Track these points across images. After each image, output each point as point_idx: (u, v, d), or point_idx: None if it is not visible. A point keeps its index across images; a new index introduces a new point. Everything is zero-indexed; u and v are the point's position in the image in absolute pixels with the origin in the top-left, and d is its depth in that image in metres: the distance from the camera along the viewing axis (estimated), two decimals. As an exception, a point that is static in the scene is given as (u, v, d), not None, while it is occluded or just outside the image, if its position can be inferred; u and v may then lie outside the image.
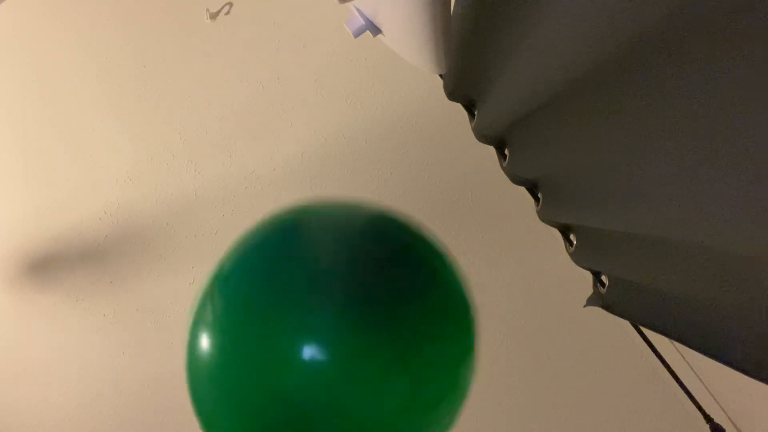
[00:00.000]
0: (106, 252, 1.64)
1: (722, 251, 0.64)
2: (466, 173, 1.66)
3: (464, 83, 1.35)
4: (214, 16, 1.66)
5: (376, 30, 0.93)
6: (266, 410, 0.48)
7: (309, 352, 0.46)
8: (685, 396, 1.22)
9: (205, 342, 0.51)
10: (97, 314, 1.63)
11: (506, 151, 1.36)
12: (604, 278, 1.25)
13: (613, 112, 0.69)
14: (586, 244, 1.22)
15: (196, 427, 0.52)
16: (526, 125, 1.08)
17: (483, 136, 1.41)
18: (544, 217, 1.33)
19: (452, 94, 1.46)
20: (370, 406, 0.48)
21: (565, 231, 1.34)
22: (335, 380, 0.46)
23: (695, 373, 1.27)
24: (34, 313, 1.64)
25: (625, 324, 1.30)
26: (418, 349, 0.49)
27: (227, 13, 1.67)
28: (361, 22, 0.91)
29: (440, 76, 1.51)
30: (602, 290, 1.25)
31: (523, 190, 1.39)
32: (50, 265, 1.64)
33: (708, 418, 1.16)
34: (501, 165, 1.41)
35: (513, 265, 1.63)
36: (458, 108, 1.50)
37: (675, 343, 1.16)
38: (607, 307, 1.24)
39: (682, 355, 1.29)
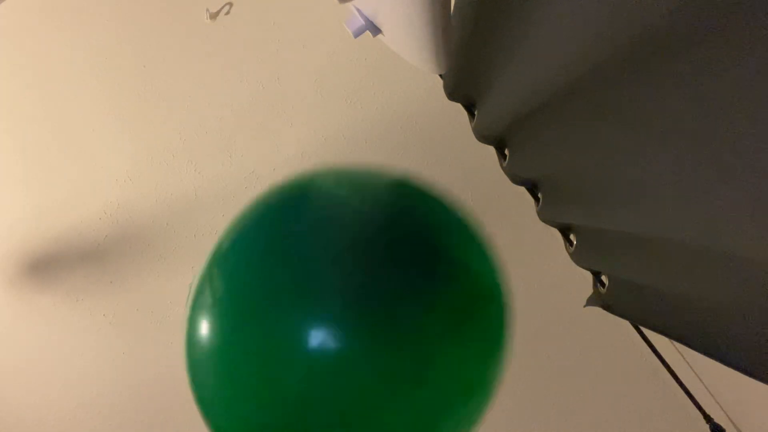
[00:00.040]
0: (106, 252, 1.64)
1: (722, 251, 0.64)
2: (466, 173, 1.66)
3: (464, 83, 1.34)
4: (214, 16, 1.66)
5: (376, 30, 0.93)
6: (269, 403, 0.43)
7: (316, 341, 0.40)
8: (685, 396, 1.22)
9: (204, 327, 0.46)
10: (97, 314, 1.63)
11: (506, 151, 1.36)
12: (604, 278, 1.25)
13: (613, 112, 0.69)
14: (586, 244, 1.22)
15: (196, 428, 0.51)
16: (526, 125, 1.08)
17: (483, 136, 1.41)
18: (544, 217, 1.33)
19: (452, 94, 1.46)
20: (383, 404, 0.43)
21: (565, 231, 1.34)
22: (344, 376, 0.41)
23: (695, 373, 1.27)
24: (34, 313, 1.63)
25: (625, 324, 1.29)
26: (436, 352, 0.44)
27: (227, 13, 1.67)
28: (361, 22, 0.91)
29: (440, 76, 1.51)
30: (602, 290, 1.25)
31: (523, 190, 1.39)
32: (50, 265, 1.64)
33: (708, 418, 1.16)
34: (501, 165, 1.41)
35: (513, 265, 1.63)
36: (458, 108, 1.50)
37: (675, 343, 1.16)
38: (607, 307, 1.24)
39: (682, 355, 1.29)
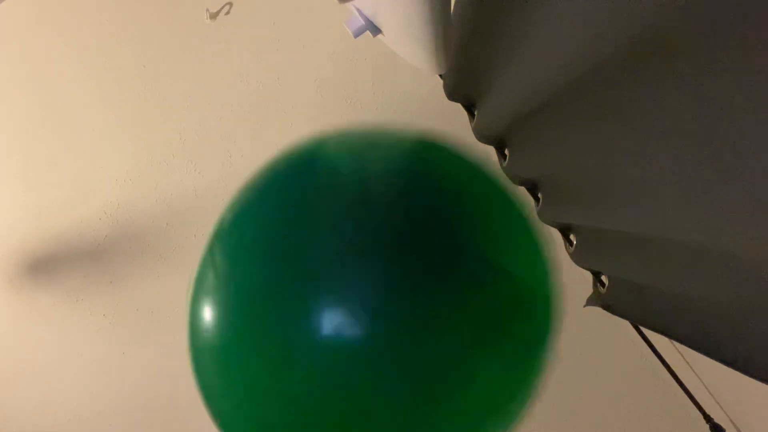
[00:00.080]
0: (106, 252, 1.64)
1: (722, 251, 0.64)
2: (466, 173, 1.66)
3: (464, 83, 1.34)
4: (214, 16, 1.66)
5: (376, 30, 0.93)
6: (279, 400, 0.38)
7: (331, 333, 0.35)
8: (685, 396, 1.21)
9: (208, 313, 0.41)
10: (97, 314, 1.63)
11: (506, 151, 1.36)
12: (604, 278, 1.25)
13: (613, 112, 0.69)
14: (586, 244, 1.22)
15: (196, 427, 0.51)
16: (526, 125, 1.08)
17: (483, 136, 1.41)
18: (544, 217, 1.32)
19: (452, 94, 1.46)
20: (406, 411, 0.37)
21: (565, 231, 1.34)
22: (362, 372, 0.35)
23: (695, 373, 1.27)
24: (34, 313, 1.63)
25: (625, 324, 1.29)
26: (474, 344, 0.37)
27: (227, 13, 1.67)
28: (361, 22, 0.91)
29: (440, 76, 1.51)
30: (602, 290, 1.25)
31: (523, 190, 1.39)
32: (50, 265, 1.64)
33: (708, 418, 1.16)
34: (501, 165, 1.41)
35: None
36: (458, 108, 1.50)
37: (675, 343, 1.16)
38: (607, 307, 1.24)
39: (682, 355, 1.29)
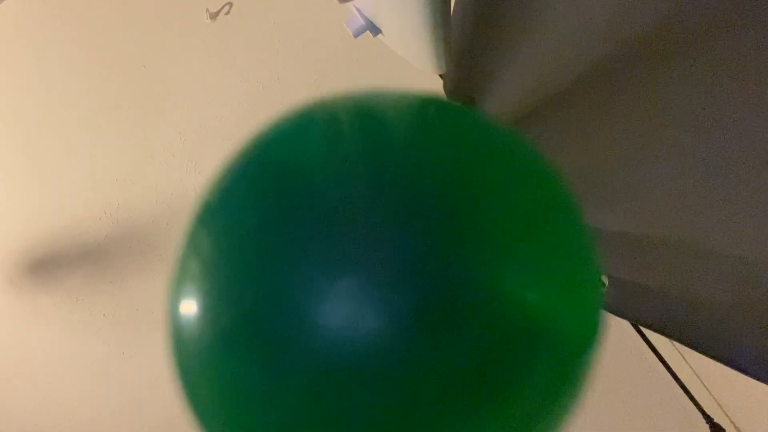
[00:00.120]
0: (106, 252, 1.64)
1: (722, 252, 0.64)
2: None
3: (464, 83, 1.34)
4: (214, 16, 1.66)
5: (376, 30, 0.93)
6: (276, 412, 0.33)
7: (340, 321, 0.28)
8: (685, 396, 1.21)
9: (189, 309, 0.36)
10: (97, 314, 1.63)
11: (506, 151, 1.36)
12: (603, 278, 1.25)
13: (614, 112, 0.69)
14: (586, 244, 1.22)
15: (196, 428, 0.50)
16: (525, 126, 1.08)
17: (483, 136, 1.41)
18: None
19: (452, 93, 1.46)
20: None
21: (565, 231, 1.34)
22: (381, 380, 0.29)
23: (695, 373, 1.27)
24: (34, 313, 1.64)
25: (625, 324, 1.29)
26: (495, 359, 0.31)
27: (227, 13, 1.67)
28: (361, 22, 0.91)
29: (440, 76, 1.51)
30: (602, 290, 1.25)
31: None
32: (50, 265, 1.64)
33: (708, 418, 1.15)
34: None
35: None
36: (458, 108, 1.50)
37: (675, 343, 1.16)
38: (608, 307, 1.24)
39: (682, 355, 1.29)
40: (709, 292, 0.74)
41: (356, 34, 0.93)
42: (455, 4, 1.01)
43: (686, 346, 0.93)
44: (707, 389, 1.25)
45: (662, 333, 1.04)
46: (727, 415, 1.22)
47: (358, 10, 0.91)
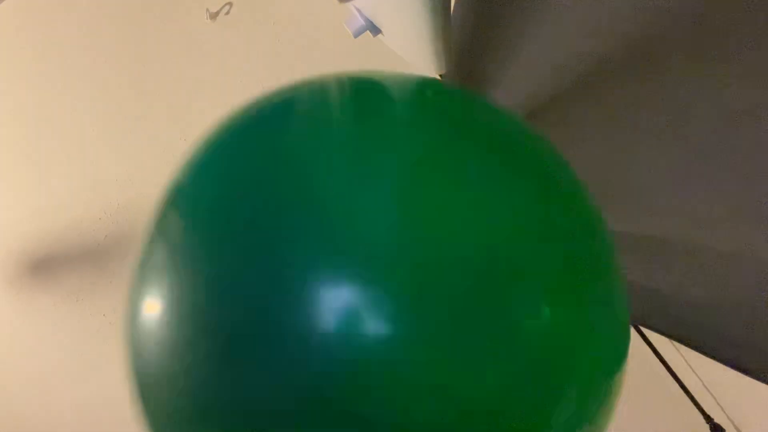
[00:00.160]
0: (106, 252, 1.64)
1: (723, 251, 0.64)
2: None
3: (465, 83, 1.34)
4: (214, 16, 1.66)
5: (376, 30, 0.93)
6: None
7: (339, 315, 0.25)
8: (685, 396, 1.21)
9: (151, 307, 0.32)
10: (97, 314, 1.63)
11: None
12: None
13: (614, 112, 0.69)
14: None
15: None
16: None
17: (483, 136, 1.41)
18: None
19: (452, 94, 1.46)
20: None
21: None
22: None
23: (695, 373, 1.27)
24: (34, 313, 1.63)
25: (625, 324, 1.29)
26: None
27: (227, 13, 1.67)
28: (361, 22, 0.91)
29: (440, 76, 1.51)
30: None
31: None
32: (50, 265, 1.64)
33: (708, 418, 1.15)
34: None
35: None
36: (458, 108, 1.50)
37: (675, 343, 1.16)
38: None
39: (682, 355, 1.29)
40: (710, 292, 0.74)
41: (356, 34, 0.93)
42: (455, 4, 1.01)
43: (686, 345, 0.93)
44: (707, 389, 1.25)
45: (663, 333, 1.04)
46: (727, 415, 1.22)
47: (358, 10, 0.91)
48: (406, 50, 0.95)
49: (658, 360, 1.28)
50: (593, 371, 0.35)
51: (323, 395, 0.26)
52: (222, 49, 1.68)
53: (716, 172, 0.52)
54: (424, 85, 0.42)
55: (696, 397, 1.20)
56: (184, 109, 1.67)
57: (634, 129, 0.65)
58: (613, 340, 0.38)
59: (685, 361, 1.28)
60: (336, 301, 0.26)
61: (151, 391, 0.34)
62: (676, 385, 1.24)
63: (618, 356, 0.38)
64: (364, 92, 0.39)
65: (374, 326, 0.26)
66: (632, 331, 1.30)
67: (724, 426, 1.14)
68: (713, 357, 0.84)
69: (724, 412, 1.22)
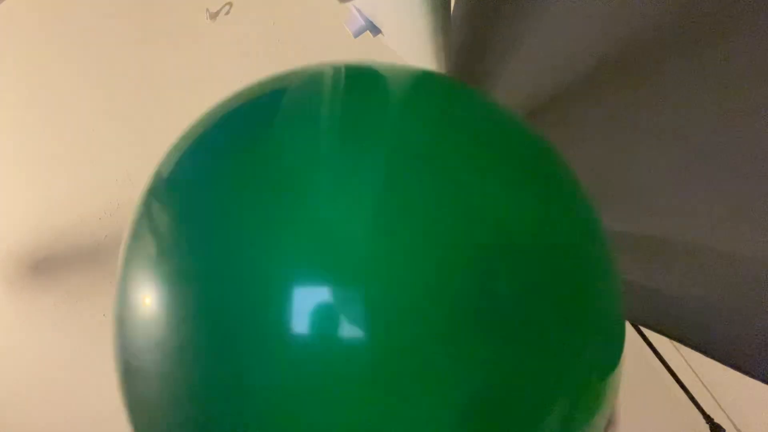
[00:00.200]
0: (106, 252, 1.64)
1: (723, 251, 0.64)
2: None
3: (465, 82, 1.34)
4: (214, 16, 1.66)
5: (376, 30, 0.93)
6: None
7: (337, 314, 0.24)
8: (685, 396, 1.21)
9: (138, 296, 0.30)
10: (97, 314, 1.63)
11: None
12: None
13: (614, 112, 0.69)
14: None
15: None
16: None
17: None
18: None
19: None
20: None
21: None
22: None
23: (695, 373, 1.27)
24: (34, 313, 1.63)
25: (625, 324, 1.29)
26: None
27: (227, 13, 1.67)
28: (361, 22, 0.91)
29: (440, 76, 1.51)
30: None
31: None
32: (50, 265, 1.64)
33: (708, 418, 1.15)
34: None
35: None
36: (458, 108, 1.50)
37: (675, 343, 1.16)
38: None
39: (682, 355, 1.29)
40: (709, 293, 0.74)
41: (356, 34, 0.93)
42: (455, 3, 1.01)
43: (686, 345, 0.93)
44: (707, 389, 1.25)
45: (663, 333, 1.04)
46: (727, 415, 1.22)
47: (358, 10, 0.91)
48: (406, 50, 0.95)
49: (658, 360, 1.28)
50: (587, 371, 0.34)
51: (285, 394, 0.26)
52: (222, 49, 1.68)
53: (716, 172, 0.52)
54: (421, 78, 0.41)
55: (696, 397, 1.20)
56: (185, 109, 1.67)
57: (634, 129, 0.65)
58: (607, 339, 0.37)
59: (685, 361, 1.28)
60: (311, 302, 0.25)
61: (132, 381, 0.33)
62: (676, 385, 1.24)
63: (613, 356, 0.37)
64: (356, 84, 0.38)
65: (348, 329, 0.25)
66: (632, 331, 1.30)
67: (724, 426, 1.14)
68: (713, 357, 0.84)
69: (724, 412, 1.23)
